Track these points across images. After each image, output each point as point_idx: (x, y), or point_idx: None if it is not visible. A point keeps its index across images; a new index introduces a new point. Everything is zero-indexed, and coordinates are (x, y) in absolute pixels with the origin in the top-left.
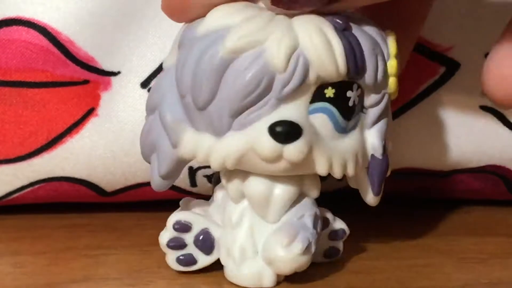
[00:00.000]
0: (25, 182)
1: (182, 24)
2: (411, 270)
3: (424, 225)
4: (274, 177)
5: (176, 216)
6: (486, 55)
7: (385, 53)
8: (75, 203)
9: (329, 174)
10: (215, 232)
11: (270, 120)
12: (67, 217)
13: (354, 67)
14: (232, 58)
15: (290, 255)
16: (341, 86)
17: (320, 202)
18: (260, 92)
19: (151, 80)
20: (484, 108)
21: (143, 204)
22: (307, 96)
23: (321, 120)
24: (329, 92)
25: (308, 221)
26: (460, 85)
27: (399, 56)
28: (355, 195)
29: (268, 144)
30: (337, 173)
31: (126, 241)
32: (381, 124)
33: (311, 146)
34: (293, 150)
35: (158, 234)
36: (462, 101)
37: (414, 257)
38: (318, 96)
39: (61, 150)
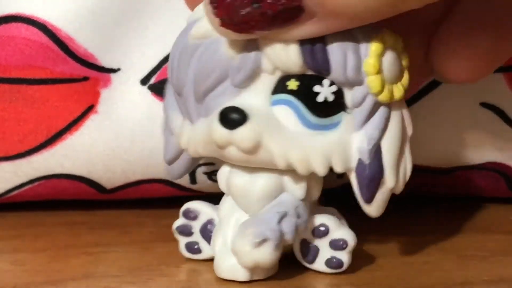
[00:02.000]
0: (24, 179)
1: (179, 25)
2: (411, 267)
3: (424, 222)
4: (255, 171)
5: (187, 204)
6: None
7: (362, 49)
8: (75, 200)
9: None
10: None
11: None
12: (67, 214)
13: (311, 59)
14: (197, 45)
15: (245, 247)
16: (306, 80)
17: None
18: (216, 77)
19: (151, 77)
20: (485, 105)
21: (143, 202)
22: (267, 86)
23: (284, 113)
24: (292, 84)
25: (273, 217)
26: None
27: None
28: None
29: (217, 130)
30: (298, 168)
31: (126, 238)
32: (370, 127)
33: (259, 134)
34: (239, 135)
35: (158, 231)
36: (462, 98)
37: (414, 254)
38: (280, 87)
39: (60, 147)
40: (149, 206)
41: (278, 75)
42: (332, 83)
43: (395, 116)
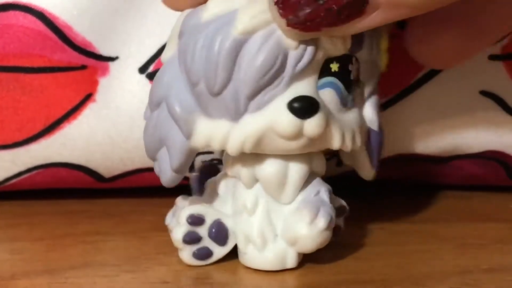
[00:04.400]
0: (22, 168)
1: (179, 12)
2: (410, 256)
3: (423, 211)
4: (286, 158)
5: (188, 210)
6: None
7: (377, 29)
8: (73, 189)
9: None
10: (227, 222)
11: (286, 98)
12: (65, 203)
13: (356, 40)
14: (244, 40)
15: (315, 231)
16: (344, 60)
17: None
18: (275, 71)
19: (149, 65)
20: (484, 94)
21: (141, 190)
22: (316, 72)
23: (329, 95)
24: (334, 66)
25: (325, 196)
26: (460, 70)
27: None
28: (353, 181)
29: (288, 121)
30: (348, 146)
31: (124, 227)
32: (373, 98)
33: (328, 120)
34: (313, 124)
35: (156, 220)
36: (461, 86)
37: (413, 243)
38: (324, 71)
39: (59, 135)
40: (148, 195)
41: (323, 59)
42: (356, 60)
43: None
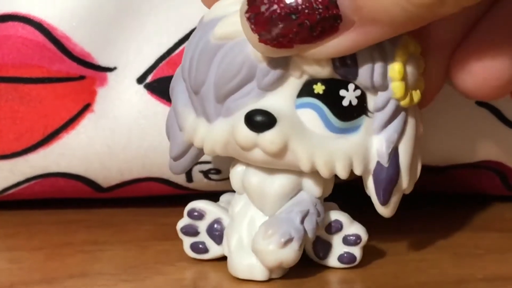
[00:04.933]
0: (21, 178)
1: (174, 22)
2: (407, 265)
3: (419, 220)
4: (272, 171)
5: (192, 204)
6: None
7: (388, 55)
8: (72, 199)
9: None
10: (226, 223)
11: (251, 109)
12: (63, 213)
13: (340, 64)
14: (220, 45)
15: (269, 247)
16: (333, 84)
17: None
18: (241, 79)
19: (147, 75)
20: (480, 104)
21: (139, 200)
22: (293, 90)
23: (309, 116)
24: (318, 88)
25: (296, 216)
26: None
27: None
28: (352, 191)
29: (242, 132)
30: (322, 172)
31: (123, 236)
32: (390, 131)
33: (286, 138)
34: (266, 139)
35: (155, 230)
36: (458, 96)
37: (410, 252)
38: (306, 91)
39: (57, 145)
40: (146, 204)
41: (304, 78)
42: (356, 87)
43: (411, 119)
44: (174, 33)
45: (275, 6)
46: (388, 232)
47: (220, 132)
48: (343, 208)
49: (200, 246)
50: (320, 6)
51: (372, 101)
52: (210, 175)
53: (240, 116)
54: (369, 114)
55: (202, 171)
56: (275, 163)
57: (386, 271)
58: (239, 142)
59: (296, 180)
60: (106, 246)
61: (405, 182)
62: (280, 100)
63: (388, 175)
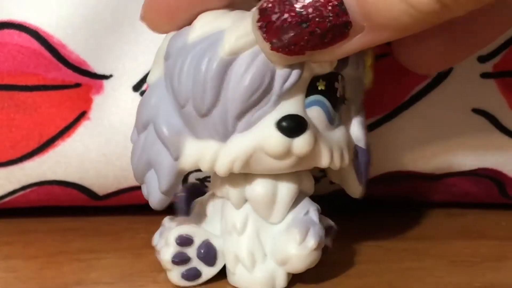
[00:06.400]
0: (17, 185)
1: (164, 36)
2: (403, 274)
3: (416, 228)
4: (275, 177)
5: (177, 231)
6: (478, 58)
7: None
8: (67, 207)
9: (320, 178)
10: (216, 242)
11: (274, 117)
12: (59, 221)
13: (342, 60)
14: (231, 60)
15: (305, 251)
16: (330, 78)
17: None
18: (263, 90)
19: (143, 83)
20: (476, 111)
21: (135, 208)
22: (303, 90)
23: (316, 113)
24: (321, 85)
25: (314, 216)
26: (452, 88)
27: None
28: (346, 199)
29: (277, 140)
30: (337, 164)
31: (118, 245)
32: (360, 115)
33: (316, 138)
34: (302, 143)
35: (150, 238)
36: (454, 104)
37: (406, 260)
38: (311, 89)
39: (53, 153)
40: (142, 212)
41: (309, 78)
42: (342, 77)
43: None
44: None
45: (286, 15)
46: (384, 240)
47: (242, 147)
48: (333, 216)
49: (193, 272)
50: (331, 14)
51: (348, 88)
52: (206, 183)
53: (266, 126)
54: (346, 102)
55: (198, 179)
56: (300, 166)
57: (382, 279)
58: (274, 150)
59: (298, 183)
60: (101, 254)
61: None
62: (295, 103)
63: (367, 157)
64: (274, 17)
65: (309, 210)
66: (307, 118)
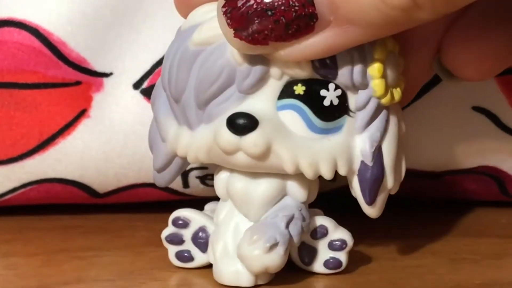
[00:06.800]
0: (17, 183)
1: (170, 28)
2: (403, 271)
3: (416, 226)
4: (256, 175)
5: (177, 213)
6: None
7: (367, 54)
8: (67, 204)
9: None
10: (211, 230)
11: (232, 113)
12: (59, 218)
13: (320, 64)
14: (199, 51)
15: (255, 252)
16: (313, 84)
17: (313, 203)
18: (222, 83)
19: (144, 81)
20: (477, 109)
21: (135, 206)
22: (274, 92)
23: (291, 117)
24: (299, 89)
25: (281, 221)
26: (452, 86)
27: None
28: (347, 196)
29: (224, 136)
30: (307, 173)
31: (119, 242)
32: (373, 129)
33: (269, 140)
34: (249, 141)
35: (151, 236)
36: (454, 102)
37: (406, 258)
38: (286, 92)
39: (53, 151)
40: (142, 210)
41: (284, 80)
42: (336, 87)
43: (393, 118)
44: (169, 39)
45: (252, 2)
46: (384, 238)
47: (203, 138)
48: (334, 214)
49: (185, 254)
50: (297, 4)
51: (353, 100)
52: (206, 181)
53: (222, 120)
54: (351, 113)
55: (198, 177)
56: (259, 167)
57: (382, 277)
58: (222, 146)
59: (280, 185)
60: (102, 252)
61: (390, 182)
62: (261, 102)
63: (373, 175)
64: (239, 3)
65: (279, 214)
66: (265, 118)
